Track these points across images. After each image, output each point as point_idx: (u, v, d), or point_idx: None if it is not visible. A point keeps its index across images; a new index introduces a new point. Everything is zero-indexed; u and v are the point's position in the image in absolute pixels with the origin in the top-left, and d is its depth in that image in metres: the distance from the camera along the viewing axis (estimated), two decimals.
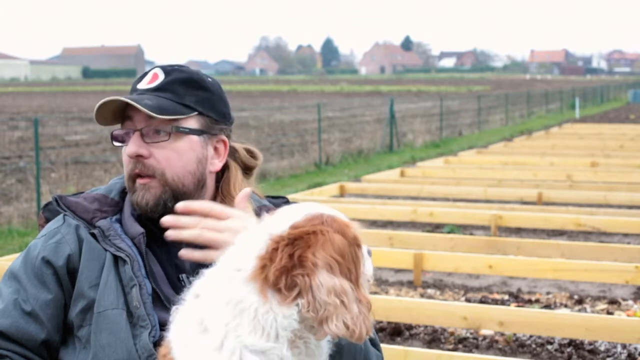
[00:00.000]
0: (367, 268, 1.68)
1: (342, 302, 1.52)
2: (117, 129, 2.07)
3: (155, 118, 1.98)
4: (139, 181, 2.01)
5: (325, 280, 1.51)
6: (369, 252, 1.72)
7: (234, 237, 1.70)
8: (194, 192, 2.05)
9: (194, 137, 2.03)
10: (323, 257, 1.54)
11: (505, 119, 32.16)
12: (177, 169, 2.01)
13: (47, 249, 2.00)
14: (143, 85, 2.06)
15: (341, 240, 1.58)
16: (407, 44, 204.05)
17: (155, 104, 1.98)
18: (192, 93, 2.05)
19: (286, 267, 1.53)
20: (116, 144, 2.06)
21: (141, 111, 1.98)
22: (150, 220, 2.04)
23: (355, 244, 1.61)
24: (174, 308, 1.66)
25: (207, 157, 2.07)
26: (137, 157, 1.99)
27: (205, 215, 1.93)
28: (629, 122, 30.68)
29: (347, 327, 1.52)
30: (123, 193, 2.12)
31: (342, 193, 12.12)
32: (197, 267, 1.80)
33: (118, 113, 2.04)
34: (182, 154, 2.02)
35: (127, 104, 1.99)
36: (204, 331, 1.55)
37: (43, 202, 10.55)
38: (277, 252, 1.55)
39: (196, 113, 2.04)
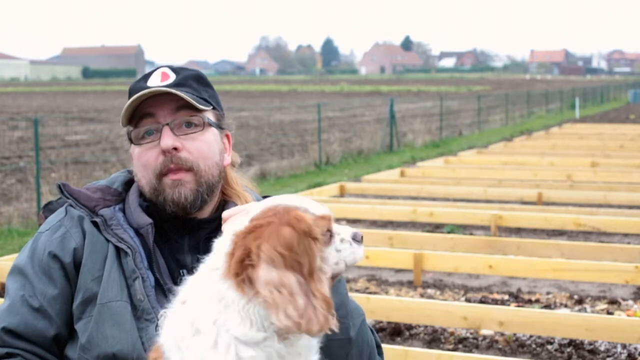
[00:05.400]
0: (351, 253, 1.66)
1: (282, 294, 1.50)
2: (131, 129, 2.04)
3: (197, 109, 2.00)
4: (172, 177, 1.99)
5: (263, 273, 1.52)
6: (358, 237, 1.69)
7: None
8: (217, 184, 2.08)
9: (215, 130, 2.07)
10: (266, 249, 1.53)
11: (505, 119, 32.15)
12: (208, 160, 2.03)
13: (53, 243, 2.00)
14: (155, 82, 2.03)
15: (290, 232, 1.56)
16: (407, 44, 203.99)
17: (190, 97, 2.00)
18: (204, 89, 2.09)
19: (241, 259, 1.55)
20: (141, 142, 2.02)
21: (166, 105, 2.00)
22: (158, 212, 2.04)
23: (308, 236, 1.57)
24: (161, 312, 1.66)
25: (223, 150, 2.11)
26: (172, 151, 1.98)
27: None
28: (629, 122, 30.67)
29: (292, 320, 1.50)
30: (126, 184, 2.13)
31: (342, 193, 12.12)
32: (198, 262, 1.80)
33: (132, 112, 2.03)
34: (211, 145, 2.04)
35: (146, 99, 2.00)
36: (196, 333, 1.55)
37: (43, 202, 10.55)
38: (237, 246, 1.58)
39: (211, 107, 2.08)
